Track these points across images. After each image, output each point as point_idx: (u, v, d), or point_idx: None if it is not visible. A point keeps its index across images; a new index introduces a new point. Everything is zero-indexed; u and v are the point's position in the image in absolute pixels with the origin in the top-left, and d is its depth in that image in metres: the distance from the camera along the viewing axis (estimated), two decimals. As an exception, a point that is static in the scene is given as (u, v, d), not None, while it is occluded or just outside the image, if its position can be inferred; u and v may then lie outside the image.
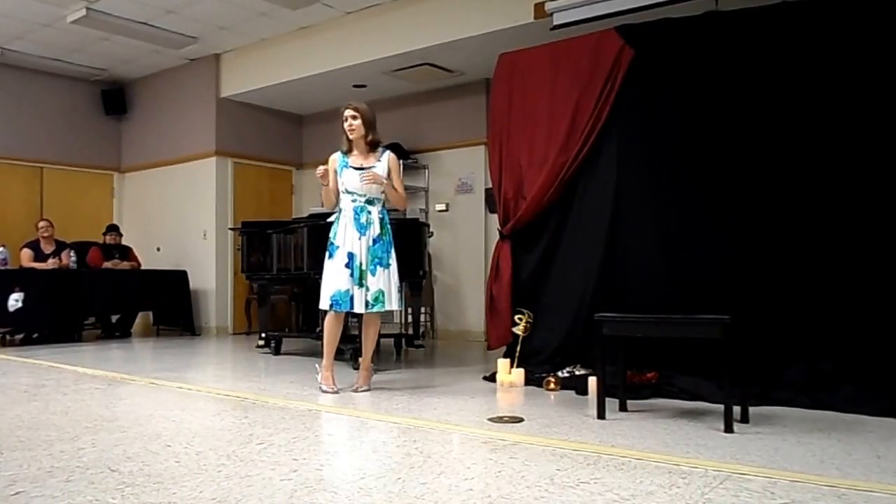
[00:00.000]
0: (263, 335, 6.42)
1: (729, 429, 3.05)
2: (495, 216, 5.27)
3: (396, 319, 7.36)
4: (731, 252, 4.05)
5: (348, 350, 5.04)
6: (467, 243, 7.72)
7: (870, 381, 3.59)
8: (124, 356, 6.41)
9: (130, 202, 9.44)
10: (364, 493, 2.17)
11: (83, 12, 6.78)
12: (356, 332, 4.76)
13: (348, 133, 4.14)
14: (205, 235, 8.45)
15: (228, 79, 8.37)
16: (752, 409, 3.33)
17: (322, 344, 4.24)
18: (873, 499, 2.14)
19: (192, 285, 8.34)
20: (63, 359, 5.76)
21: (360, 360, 4.31)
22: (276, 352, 6.14)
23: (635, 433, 3.06)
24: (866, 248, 3.73)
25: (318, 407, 3.74)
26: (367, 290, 4.05)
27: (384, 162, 4.17)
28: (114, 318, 7.99)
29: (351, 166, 4.13)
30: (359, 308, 4.04)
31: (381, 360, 5.53)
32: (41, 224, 7.50)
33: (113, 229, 8.30)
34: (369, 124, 4.16)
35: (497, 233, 5.05)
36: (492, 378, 4.56)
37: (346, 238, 4.07)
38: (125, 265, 8.01)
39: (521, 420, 3.33)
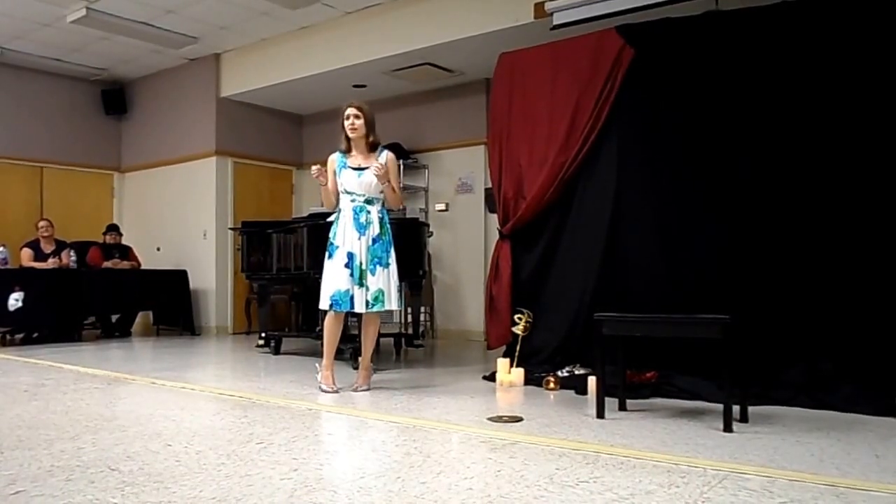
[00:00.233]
0: (263, 335, 6.42)
1: (728, 428, 3.05)
2: (495, 216, 5.27)
3: (396, 319, 7.35)
4: (730, 252, 4.05)
5: (348, 350, 5.05)
6: (467, 243, 7.73)
7: (869, 380, 3.60)
8: (124, 356, 6.41)
9: (130, 202, 9.45)
10: (364, 493, 2.18)
11: (83, 12, 6.78)
12: (356, 332, 4.76)
13: (349, 132, 4.13)
14: (205, 235, 8.45)
15: (228, 79, 8.37)
16: (751, 409, 3.33)
17: (322, 343, 4.24)
18: (872, 498, 2.15)
19: (192, 285, 8.34)
20: (63, 358, 5.77)
21: (360, 359, 4.31)
22: (276, 351, 6.14)
23: (635, 432, 3.06)
24: (866, 248, 3.73)
25: (317, 406, 3.75)
26: (367, 289, 4.05)
27: (383, 161, 4.16)
28: (114, 318, 7.99)
29: (349, 167, 4.13)
30: (359, 308, 4.04)
31: (380, 359, 5.54)
32: (41, 224, 7.51)
33: (113, 229, 8.30)
34: (371, 125, 4.17)
35: (497, 232, 5.06)
36: (491, 378, 4.56)
37: (346, 238, 4.07)
38: (125, 265, 8.01)
39: (520, 419, 3.33)
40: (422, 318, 7.16)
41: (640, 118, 4.43)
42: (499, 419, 3.34)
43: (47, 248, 7.43)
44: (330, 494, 2.17)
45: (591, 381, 3.89)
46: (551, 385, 4.23)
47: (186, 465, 2.49)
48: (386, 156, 4.20)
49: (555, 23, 5.35)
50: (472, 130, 7.55)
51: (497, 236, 5.03)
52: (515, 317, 4.54)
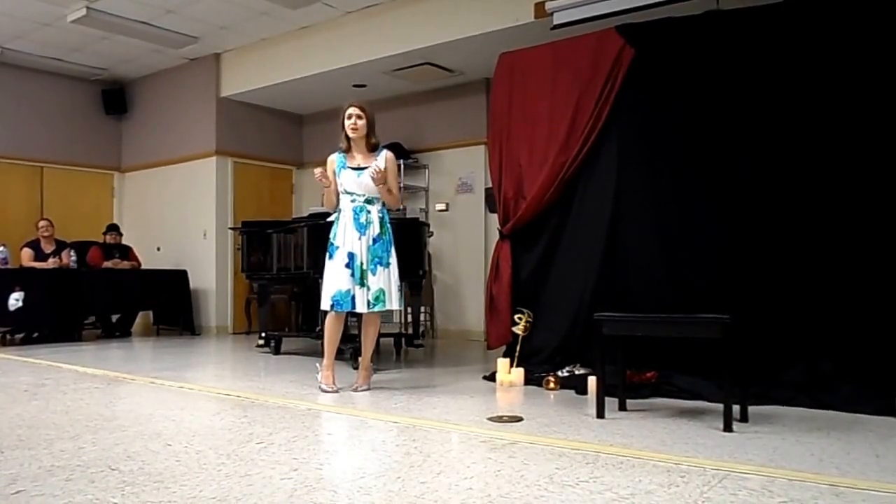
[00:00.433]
0: (263, 335, 6.42)
1: (728, 428, 3.05)
2: (495, 216, 5.27)
3: (396, 319, 7.36)
4: (730, 252, 4.05)
5: (348, 349, 5.04)
6: (467, 243, 7.73)
7: (869, 380, 3.59)
8: (124, 355, 6.41)
9: (130, 202, 9.45)
10: (364, 492, 2.18)
11: (83, 12, 6.78)
12: (356, 332, 4.76)
13: (350, 132, 4.12)
14: (205, 235, 8.45)
15: (228, 78, 8.37)
16: (751, 409, 3.33)
17: (322, 343, 4.24)
18: (872, 497, 2.15)
19: (192, 285, 8.34)
20: (63, 358, 5.77)
21: (360, 359, 4.31)
22: (276, 351, 6.14)
23: (634, 432, 3.06)
24: (866, 248, 3.73)
25: (317, 406, 3.75)
26: (369, 289, 4.05)
27: (381, 161, 4.16)
28: (114, 318, 7.99)
29: (349, 167, 4.13)
30: (360, 308, 4.04)
31: (380, 359, 5.54)
32: (41, 223, 7.51)
33: (113, 229, 8.30)
34: (372, 125, 4.17)
35: (497, 232, 5.06)
36: (491, 377, 4.56)
37: (346, 238, 4.07)
38: (125, 265, 8.01)
39: (520, 419, 3.33)
40: (422, 318, 7.17)
41: (640, 118, 4.43)
42: (499, 419, 3.34)
43: (47, 247, 7.43)
44: (330, 494, 2.17)
45: (591, 381, 3.89)
46: (551, 385, 4.23)
47: (186, 464, 2.50)
48: (385, 155, 4.20)
49: (555, 23, 5.36)
50: (473, 130, 7.55)
51: (497, 236, 5.03)
52: (515, 317, 4.54)
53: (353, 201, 4.12)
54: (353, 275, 4.02)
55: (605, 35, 4.53)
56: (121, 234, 8.30)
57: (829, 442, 2.88)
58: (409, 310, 6.72)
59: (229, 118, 8.50)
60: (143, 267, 8.24)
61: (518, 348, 4.51)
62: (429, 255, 6.82)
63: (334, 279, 4.04)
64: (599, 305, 3.89)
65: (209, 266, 8.37)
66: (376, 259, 4.08)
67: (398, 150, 7.05)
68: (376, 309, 4.09)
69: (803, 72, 3.92)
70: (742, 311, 3.41)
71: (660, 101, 4.35)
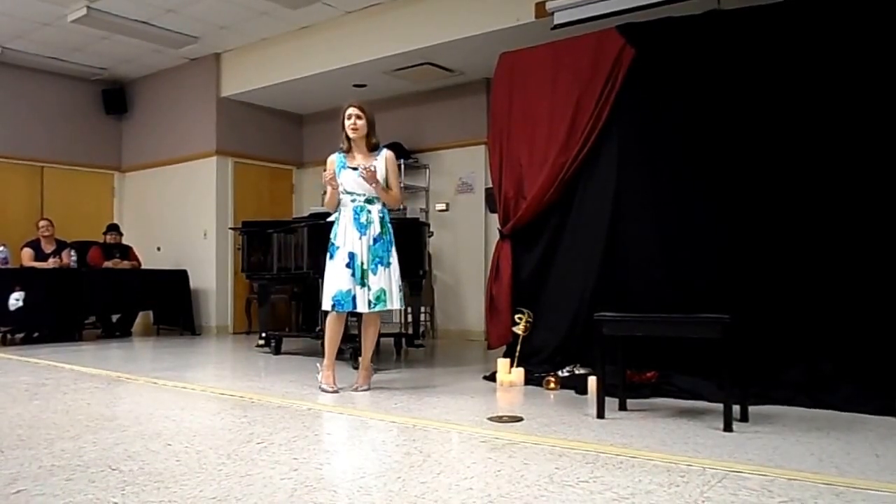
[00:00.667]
0: (263, 335, 6.42)
1: (728, 428, 3.05)
2: (495, 216, 5.27)
3: (396, 319, 7.36)
4: (731, 252, 4.05)
5: (348, 349, 5.04)
6: (467, 243, 7.73)
7: (869, 380, 3.59)
8: (124, 355, 6.41)
9: (131, 202, 9.45)
10: (364, 492, 2.18)
11: (83, 11, 6.79)
12: (356, 332, 4.76)
13: (350, 132, 4.12)
14: (205, 235, 8.45)
15: (229, 78, 8.37)
16: (751, 409, 3.33)
17: (322, 343, 4.24)
18: (871, 497, 2.15)
19: (192, 285, 8.35)
20: (63, 358, 5.77)
21: (360, 359, 4.31)
22: (276, 351, 6.15)
23: (634, 432, 3.06)
24: (866, 248, 3.73)
25: (318, 406, 3.75)
26: (369, 289, 4.05)
27: (381, 161, 4.16)
28: (114, 318, 7.99)
29: (349, 166, 4.13)
30: (361, 308, 4.04)
31: (380, 359, 5.54)
32: (41, 223, 7.52)
33: (113, 229, 8.30)
34: (372, 126, 4.17)
35: (497, 232, 5.06)
36: (492, 377, 4.56)
37: (347, 238, 4.07)
38: (125, 265, 8.01)
39: (520, 419, 3.33)
40: (422, 318, 7.17)
41: (640, 118, 4.43)
42: (499, 419, 3.34)
43: (48, 247, 7.44)
44: (330, 494, 2.18)
45: (592, 381, 3.89)
46: (551, 385, 4.23)
47: (187, 464, 2.50)
48: (385, 155, 4.20)
49: (555, 22, 5.36)
50: (473, 130, 7.56)
51: (497, 236, 5.03)
52: (516, 317, 4.54)
53: (353, 201, 4.12)
54: (353, 275, 4.02)
55: (605, 35, 4.53)
56: (121, 234, 8.31)
57: (828, 442, 2.88)
58: (410, 310, 6.72)
59: (229, 118, 8.50)
60: (144, 267, 8.25)
61: (518, 348, 4.51)
62: (429, 255, 6.82)
63: (335, 279, 4.04)
64: (599, 305, 3.89)
65: (209, 266, 8.38)
66: (377, 259, 4.08)
67: (398, 149, 7.05)
68: (377, 309, 4.09)
69: (804, 72, 3.91)
70: (742, 311, 3.41)
71: (660, 101, 4.35)
